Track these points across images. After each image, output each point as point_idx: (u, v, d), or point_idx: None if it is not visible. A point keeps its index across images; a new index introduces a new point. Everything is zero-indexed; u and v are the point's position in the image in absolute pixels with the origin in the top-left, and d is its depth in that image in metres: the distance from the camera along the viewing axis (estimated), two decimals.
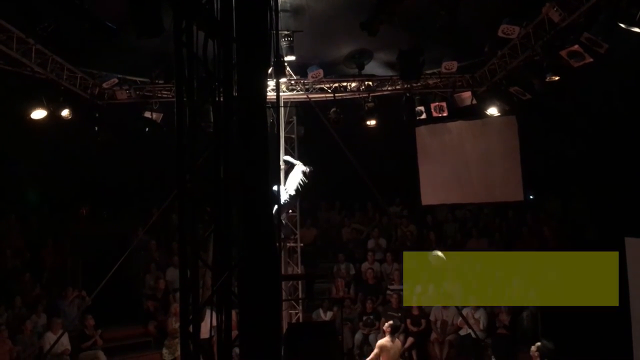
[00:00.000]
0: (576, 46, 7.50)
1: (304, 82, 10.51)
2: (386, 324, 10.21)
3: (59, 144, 11.03)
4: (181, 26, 5.09)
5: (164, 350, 10.40)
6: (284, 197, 9.52)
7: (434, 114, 10.69)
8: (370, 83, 10.68)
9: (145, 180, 13.16)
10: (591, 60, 7.55)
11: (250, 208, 4.76)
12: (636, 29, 6.31)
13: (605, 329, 8.81)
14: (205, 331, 5.36)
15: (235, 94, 5.08)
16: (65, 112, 9.39)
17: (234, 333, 5.10)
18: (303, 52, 9.57)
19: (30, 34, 7.82)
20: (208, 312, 5.47)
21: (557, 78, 8.61)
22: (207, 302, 5.32)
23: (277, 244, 5.50)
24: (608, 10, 6.88)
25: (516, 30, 8.18)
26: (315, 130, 10.99)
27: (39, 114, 8.99)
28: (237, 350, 5.07)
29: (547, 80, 8.72)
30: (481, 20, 8.37)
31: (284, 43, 9.22)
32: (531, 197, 13.72)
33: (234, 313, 5.27)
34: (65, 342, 9.89)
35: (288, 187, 9.68)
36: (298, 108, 11.12)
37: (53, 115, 9.23)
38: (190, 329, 4.97)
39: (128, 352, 10.80)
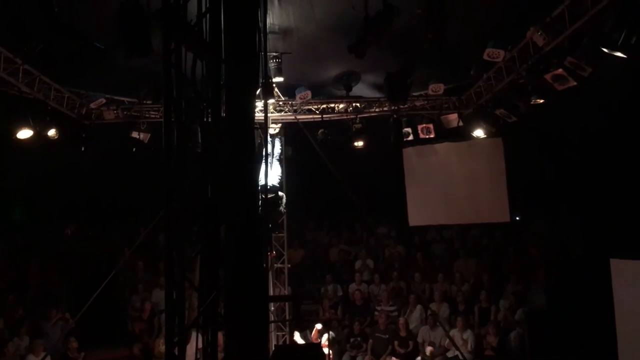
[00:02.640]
0: (560, 70, 7.61)
1: (292, 103, 10.56)
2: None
3: (45, 163, 10.95)
4: (170, 47, 5.10)
5: None
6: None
7: (421, 136, 10.77)
8: (358, 104, 10.75)
9: (133, 200, 13.08)
10: (575, 83, 7.67)
11: (236, 229, 4.74)
12: (618, 54, 6.42)
13: (592, 350, 8.83)
14: (191, 354, 5.29)
15: (223, 114, 5.09)
16: (51, 132, 9.34)
17: (221, 356, 5.04)
18: (291, 73, 9.63)
19: (18, 53, 7.80)
20: (194, 334, 5.41)
21: (542, 101, 8.73)
22: (192, 323, 5.26)
23: (264, 265, 5.47)
24: (591, 35, 7.01)
25: (501, 53, 8.29)
26: (304, 151, 11.02)
27: (24, 133, 8.93)
28: None
29: (532, 103, 8.84)
30: (467, 44, 8.48)
31: (272, 64, 9.27)
32: (517, 218, 13.82)
33: (220, 335, 5.22)
34: None
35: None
36: (286, 129, 11.16)
37: (40, 135, 9.18)
38: (176, 351, 4.91)
39: None
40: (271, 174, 9.51)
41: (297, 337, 10.74)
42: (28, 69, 8.22)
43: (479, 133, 10.50)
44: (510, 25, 8.08)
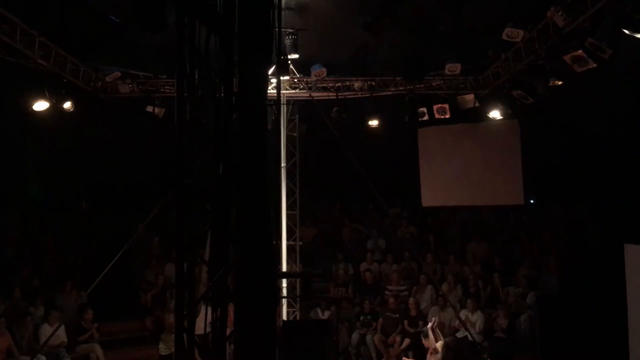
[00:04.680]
0: (580, 51, 7.49)
1: (307, 81, 10.51)
2: None
3: (60, 137, 11.01)
4: (184, 21, 5.08)
5: (161, 345, 10.38)
6: None
7: (437, 116, 10.68)
8: (374, 83, 10.67)
9: (147, 175, 13.14)
10: (594, 65, 7.54)
11: (247, 204, 4.76)
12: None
13: (602, 336, 8.80)
14: (200, 327, 5.36)
15: (235, 90, 5.08)
16: (67, 105, 9.41)
17: (230, 330, 5.10)
18: (307, 50, 9.57)
19: (34, 26, 7.82)
20: (204, 308, 5.47)
21: (560, 82, 8.60)
22: (202, 298, 5.32)
23: (275, 242, 5.50)
24: (612, 16, 6.87)
25: (520, 33, 8.17)
26: (317, 129, 11.00)
27: (41, 105, 9.01)
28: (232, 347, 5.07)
29: (550, 84, 8.71)
30: (485, 23, 8.36)
31: (288, 41, 9.23)
32: (532, 201, 13.71)
33: (230, 310, 5.26)
34: (61, 335, 9.90)
35: None
36: (300, 106, 11.12)
37: (55, 108, 9.24)
38: (185, 324, 4.97)
39: (125, 346, 10.82)
40: None
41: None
42: (44, 41, 8.25)
43: (495, 114, 10.40)
44: (530, 5, 7.94)
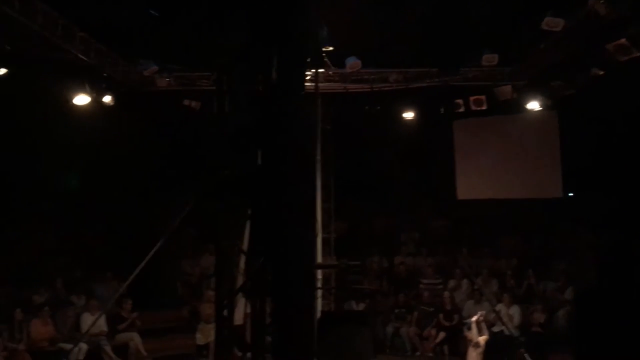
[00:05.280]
0: (623, 40, 7.30)
1: (341, 73, 10.47)
2: None
3: (101, 128, 11.20)
4: (221, 15, 5.12)
5: (198, 335, 10.53)
6: None
7: (473, 108, 10.54)
8: (409, 75, 10.57)
9: (185, 166, 13.24)
10: (639, 54, 7.34)
11: (285, 195, 4.77)
12: None
13: None
14: (239, 318, 5.41)
15: (273, 83, 5.09)
16: (107, 99, 9.59)
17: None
18: (342, 42, 9.52)
19: (75, 20, 7.98)
20: (242, 300, 5.51)
21: (602, 73, 8.40)
22: (241, 288, 5.36)
23: (312, 233, 5.52)
24: None
25: (561, 23, 7.98)
26: (352, 122, 10.96)
27: (81, 99, 9.20)
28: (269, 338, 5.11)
29: (591, 74, 8.51)
30: (524, 13, 8.20)
31: (322, 33, 9.19)
32: (570, 194, 13.43)
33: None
34: (102, 324, 10.11)
35: None
36: (334, 99, 11.08)
37: (95, 102, 9.42)
38: (225, 313, 5.02)
39: (162, 335, 10.99)
40: None
41: None
42: (84, 36, 8.40)
43: (533, 106, 10.21)
44: None
